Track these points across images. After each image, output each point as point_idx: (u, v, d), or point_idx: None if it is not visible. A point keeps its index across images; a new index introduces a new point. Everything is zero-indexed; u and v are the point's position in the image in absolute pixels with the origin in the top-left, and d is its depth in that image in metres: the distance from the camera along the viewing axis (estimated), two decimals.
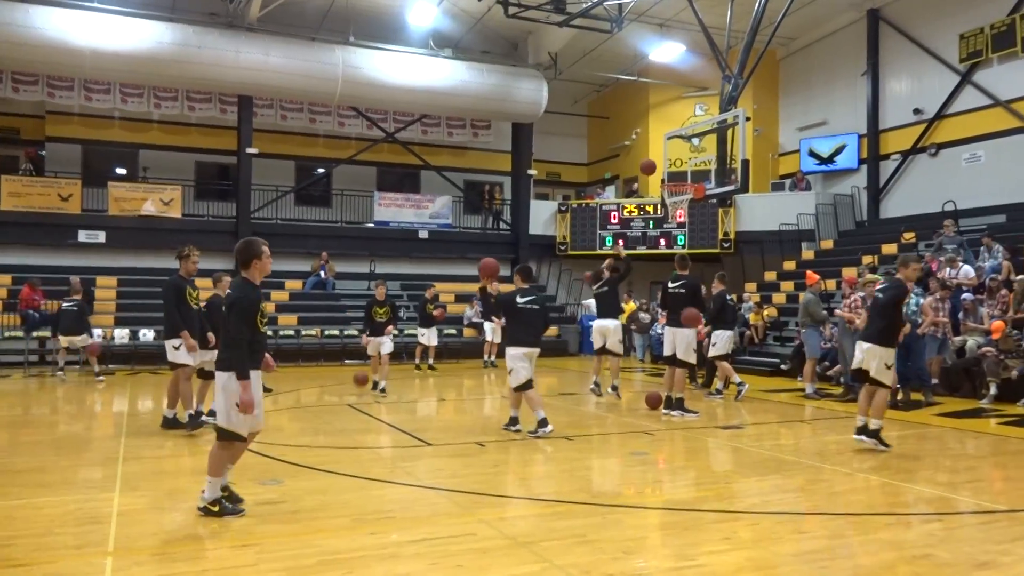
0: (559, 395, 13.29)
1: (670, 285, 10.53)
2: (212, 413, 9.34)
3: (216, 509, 5.31)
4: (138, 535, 4.99)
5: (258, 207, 21.89)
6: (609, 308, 11.75)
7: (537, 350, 8.92)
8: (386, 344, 12.64)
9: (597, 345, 11.81)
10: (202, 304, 9.37)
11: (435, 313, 17.17)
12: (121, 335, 18.01)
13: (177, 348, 8.71)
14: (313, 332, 19.50)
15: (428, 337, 17.28)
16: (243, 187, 21.34)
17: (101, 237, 20.26)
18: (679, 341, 10.34)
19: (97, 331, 17.67)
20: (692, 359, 10.58)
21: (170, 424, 8.90)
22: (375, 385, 12.70)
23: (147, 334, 18.12)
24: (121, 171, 22.70)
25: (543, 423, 8.63)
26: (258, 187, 21.78)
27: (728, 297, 13.20)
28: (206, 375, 9.15)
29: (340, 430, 9.25)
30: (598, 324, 11.80)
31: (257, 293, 5.43)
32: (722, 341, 12.46)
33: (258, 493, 6.08)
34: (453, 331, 20.40)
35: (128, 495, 6.00)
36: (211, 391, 9.17)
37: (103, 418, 10.99)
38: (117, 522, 5.25)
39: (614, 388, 11.85)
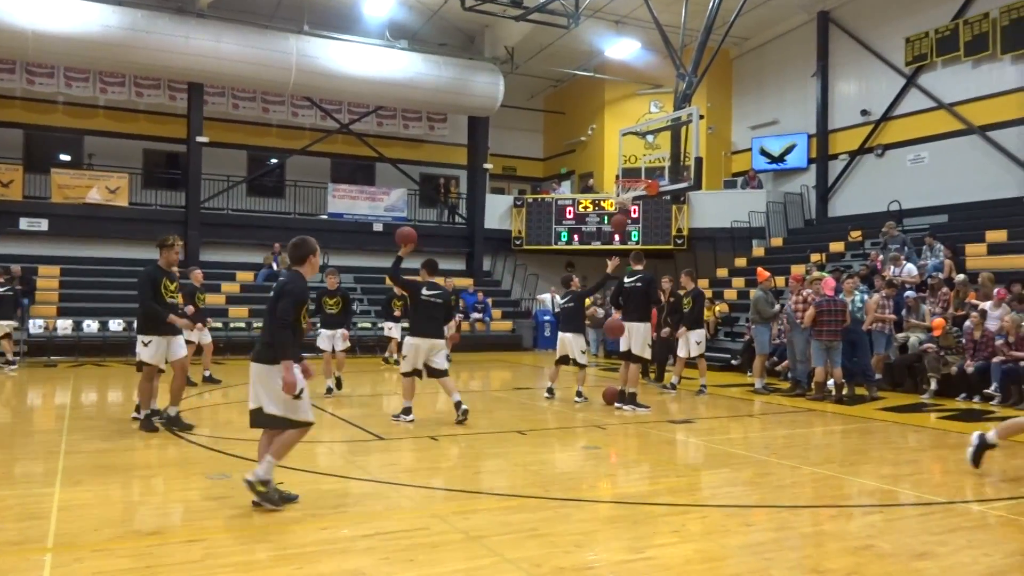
0: (513, 389, 13.33)
1: (626, 280, 10.60)
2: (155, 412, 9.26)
3: (263, 489, 5.27)
4: (80, 531, 4.87)
5: (208, 197, 21.49)
6: (572, 321, 11.53)
7: (437, 342, 9.24)
8: (339, 341, 11.78)
9: (559, 355, 11.46)
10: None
11: (397, 313, 16.99)
12: (64, 326, 17.54)
13: (146, 345, 8.17)
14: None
15: (395, 331, 17.10)
16: (193, 176, 20.91)
17: (44, 225, 19.68)
18: (634, 336, 10.42)
19: (39, 322, 17.28)
20: (647, 355, 10.67)
21: (171, 422, 8.32)
22: (330, 389, 11.68)
23: (91, 325, 17.68)
24: (65, 157, 22.07)
25: (407, 411, 9.21)
26: (208, 176, 21.37)
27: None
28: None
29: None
30: (562, 336, 11.46)
31: (307, 286, 5.53)
32: (703, 339, 12.61)
33: (206, 487, 5.98)
34: (406, 324, 20.23)
35: (70, 490, 5.84)
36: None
37: (44, 411, 10.69)
38: (58, 517, 5.11)
39: (579, 394, 11.32)
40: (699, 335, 12.55)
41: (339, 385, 11.87)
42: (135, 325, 8.69)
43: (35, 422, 9.79)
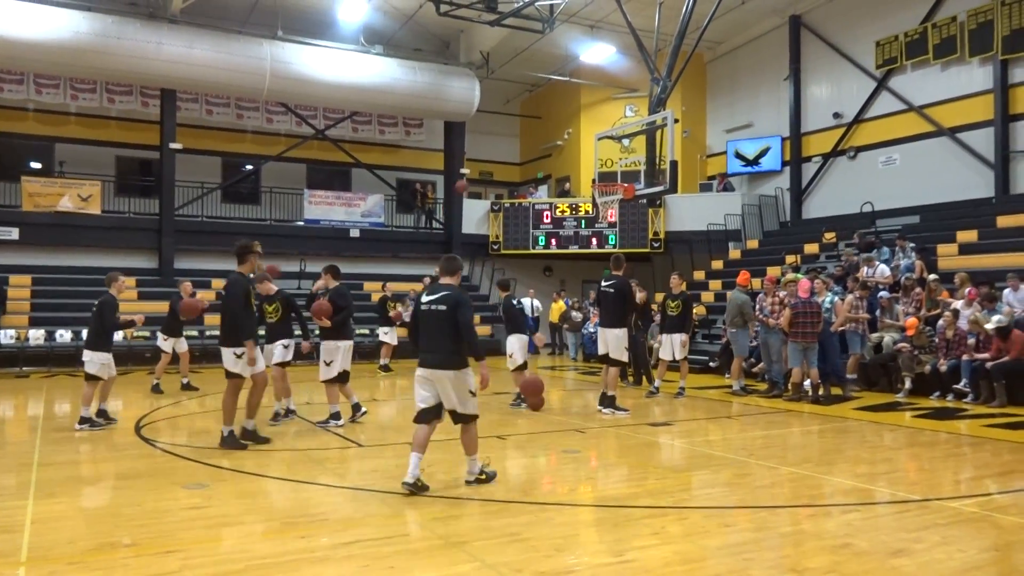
0: (493, 394, 13.29)
1: (602, 284, 10.65)
2: (101, 413, 9.31)
3: (484, 477, 6.28)
4: (54, 544, 4.80)
5: (182, 204, 21.28)
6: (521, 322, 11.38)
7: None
8: (278, 352, 9.71)
9: (522, 360, 11.06)
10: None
11: (391, 314, 16.88)
12: (36, 336, 17.28)
13: (239, 356, 7.84)
14: None
15: (391, 336, 16.98)
16: (166, 183, 20.70)
17: (14, 234, 19.39)
18: (610, 340, 10.45)
19: (10, 331, 17.03)
20: (624, 358, 10.69)
21: (232, 443, 7.88)
22: (282, 414, 9.79)
23: (64, 335, 17.43)
24: (36, 165, 21.77)
25: (354, 409, 9.62)
26: (182, 184, 21.17)
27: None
28: (92, 378, 9.26)
29: (269, 432, 9.06)
30: (525, 339, 11.12)
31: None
32: (688, 342, 12.58)
33: (182, 498, 5.92)
34: (387, 330, 20.14)
35: (43, 502, 5.76)
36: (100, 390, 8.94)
37: (16, 422, 10.53)
38: (31, 530, 5.04)
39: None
40: (684, 338, 12.53)
41: (288, 412, 9.87)
42: (223, 336, 8.03)
43: (7, 433, 9.63)
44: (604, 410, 10.38)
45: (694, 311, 18.00)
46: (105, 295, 9.37)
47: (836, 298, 12.76)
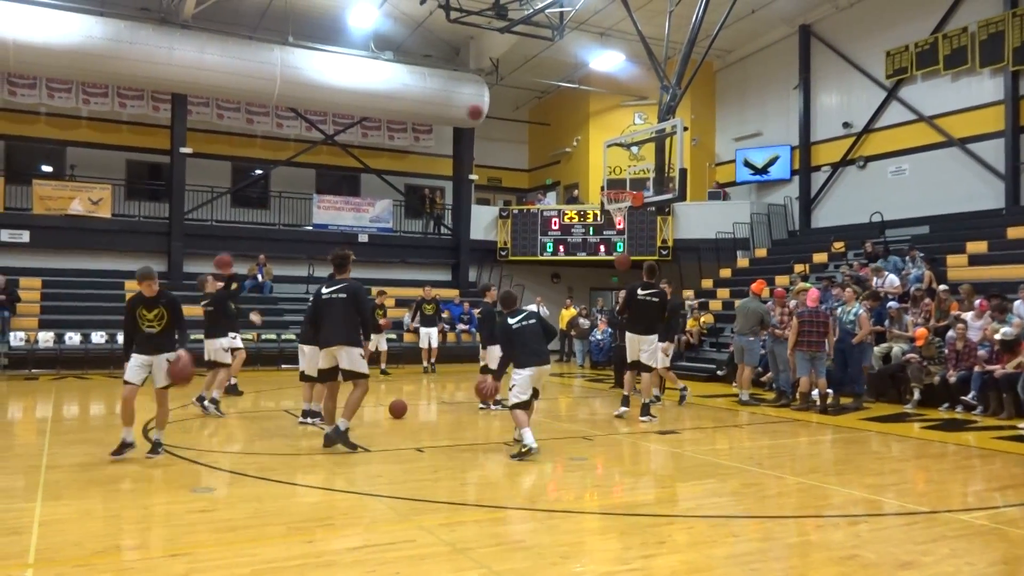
0: (498, 401, 13.27)
1: (640, 292, 10.52)
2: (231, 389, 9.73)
3: (525, 450, 7.67)
4: (61, 546, 4.81)
5: (192, 208, 21.37)
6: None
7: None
8: (159, 373, 7.56)
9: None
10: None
11: (381, 323, 16.97)
12: (46, 338, 17.35)
13: (364, 357, 8.25)
14: (249, 336, 19.06)
15: (378, 342, 17.12)
16: (176, 187, 20.78)
17: (25, 237, 19.50)
18: (644, 346, 10.39)
19: (20, 334, 17.11)
20: (655, 363, 10.64)
21: (345, 440, 8.12)
22: (155, 447, 7.66)
23: (73, 337, 17.50)
24: (47, 169, 21.91)
25: (304, 413, 9.91)
26: (192, 188, 21.26)
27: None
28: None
29: (276, 436, 9.08)
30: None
31: None
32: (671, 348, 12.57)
33: (189, 501, 5.93)
34: (393, 336, 20.21)
35: (51, 504, 5.78)
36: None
37: (25, 425, 10.57)
38: (39, 532, 5.05)
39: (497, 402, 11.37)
40: (665, 345, 12.40)
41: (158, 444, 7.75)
42: (351, 337, 8.20)
43: (16, 436, 9.67)
44: (643, 418, 10.33)
45: (702, 319, 18.08)
46: (218, 292, 11.01)
47: (862, 310, 12.60)
